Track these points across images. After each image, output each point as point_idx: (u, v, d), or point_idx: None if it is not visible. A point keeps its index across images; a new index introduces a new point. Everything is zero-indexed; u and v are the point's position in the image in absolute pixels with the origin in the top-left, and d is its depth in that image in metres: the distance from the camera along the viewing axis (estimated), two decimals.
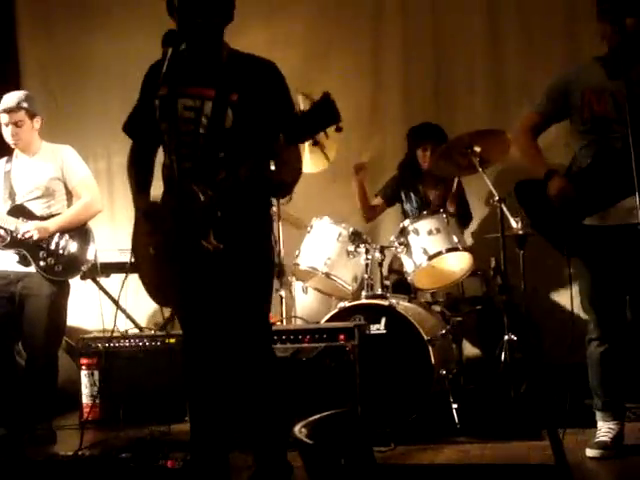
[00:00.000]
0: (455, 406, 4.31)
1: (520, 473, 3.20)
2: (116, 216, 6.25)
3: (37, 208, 4.70)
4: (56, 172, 4.74)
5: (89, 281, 5.52)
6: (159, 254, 3.18)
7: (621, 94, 3.49)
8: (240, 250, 3.12)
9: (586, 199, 3.63)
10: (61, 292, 4.71)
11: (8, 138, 4.72)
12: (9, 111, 4.67)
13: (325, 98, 2.86)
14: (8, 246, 4.61)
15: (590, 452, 3.72)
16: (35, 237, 4.58)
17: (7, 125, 4.69)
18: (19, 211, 4.67)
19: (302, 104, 4.54)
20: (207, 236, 3.02)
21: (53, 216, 4.69)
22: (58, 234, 4.66)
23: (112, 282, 5.46)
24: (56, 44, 6.45)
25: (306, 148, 5.08)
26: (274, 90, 3.13)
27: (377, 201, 5.58)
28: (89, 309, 5.98)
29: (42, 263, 4.60)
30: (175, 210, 3.09)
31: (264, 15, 6.03)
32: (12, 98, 4.72)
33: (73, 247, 4.70)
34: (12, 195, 4.72)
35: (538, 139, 3.88)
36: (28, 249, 4.60)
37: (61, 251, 4.65)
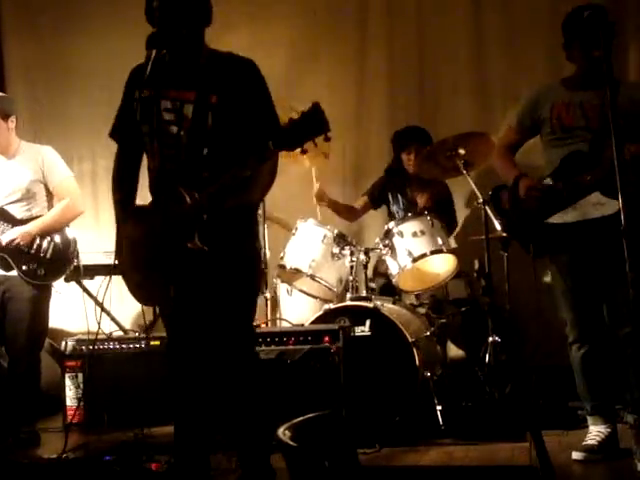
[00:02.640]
0: (439, 408, 4.32)
1: (504, 475, 3.21)
2: (100, 218, 6.23)
3: (17, 211, 4.62)
4: (36, 174, 4.65)
5: (73, 283, 5.51)
6: (143, 254, 3.17)
7: (589, 104, 3.70)
8: (224, 252, 3.13)
9: (551, 199, 3.70)
10: (43, 295, 4.66)
11: None
12: None
13: (315, 108, 2.89)
14: None
15: (575, 455, 3.74)
16: (20, 244, 4.53)
17: None
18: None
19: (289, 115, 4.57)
20: (192, 238, 3.03)
21: (34, 219, 4.62)
22: (39, 237, 4.60)
23: (96, 284, 5.43)
24: (41, 46, 6.42)
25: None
26: (253, 89, 3.15)
27: (362, 201, 5.58)
28: (73, 311, 5.95)
29: (24, 267, 4.54)
30: (161, 212, 3.09)
31: (248, 17, 6.02)
32: None
33: (55, 250, 4.64)
34: None
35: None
36: (9, 253, 4.53)
37: (42, 254, 4.59)
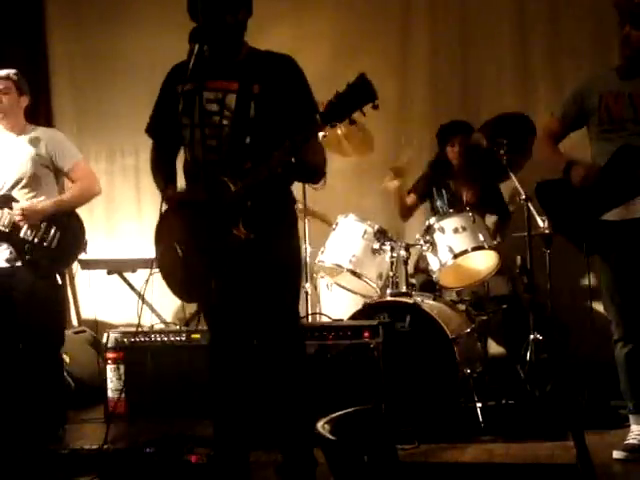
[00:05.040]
0: (479, 405, 4.29)
1: (544, 473, 3.18)
2: (143, 212, 6.29)
3: (22, 198, 4.44)
4: (41, 157, 4.48)
5: (115, 276, 5.57)
6: (185, 249, 3.19)
7: (638, 95, 3.60)
8: (269, 242, 3.14)
9: (605, 195, 3.63)
10: (51, 286, 4.47)
11: None
12: None
13: (361, 77, 2.91)
14: None
15: (616, 454, 3.70)
16: (24, 221, 4.35)
17: None
18: (4, 202, 4.42)
19: None
20: (237, 224, 3.04)
21: None
22: (45, 225, 4.39)
23: (138, 277, 5.48)
24: (84, 39, 6.47)
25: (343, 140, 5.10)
26: (292, 80, 3.18)
27: (411, 199, 5.55)
28: (115, 304, 6.04)
29: (27, 257, 4.37)
30: (205, 201, 3.11)
31: (291, 13, 6.03)
32: (3, 70, 4.54)
33: (61, 240, 4.41)
34: None
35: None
36: (13, 243, 4.38)
37: (46, 244, 4.39)
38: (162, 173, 3.38)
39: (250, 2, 3.22)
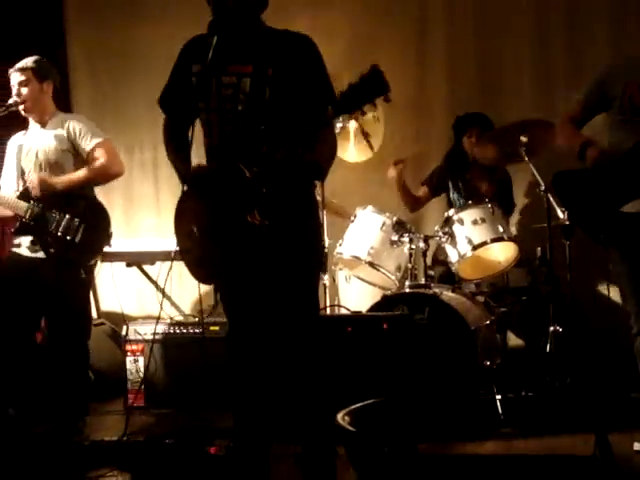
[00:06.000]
0: (499, 397, 4.28)
1: (565, 465, 3.17)
2: (161, 206, 6.29)
3: None
4: (62, 143, 4.45)
5: (135, 268, 5.58)
6: (203, 230, 3.18)
7: None
8: (286, 228, 3.11)
9: (624, 187, 3.59)
10: (76, 278, 4.43)
11: (13, 100, 4.47)
12: (15, 70, 4.48)
13: (374, 69, 2.87)
14: (17, 232, 4.44)
15: (637, 446, 3.68)
16: (35, 189, 4.33)
17: (13, 87, 4.48)
18: (29, 195, 4.39)
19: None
20: (252, 211, 3.03)
21: None
22: (68, 218, 4.36)
23: (157, 270, 5.49)
24: (103, 32, 6.46)
25: (351, 138, 5.09)
26: (308, 62, 3.13)
27: (422, 191, 5.56)
28: (134, 296, 6.06)
29: (52, 250, 4.34)
30: (221, 187, 3.09)
31: (308, 6, 6.01)
32: (21, 61, 4.53)
33: (85, 234, 4.38)
34: (23, 174, 4.49)
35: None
36: (38, 236, 4.36)
37: (70, 238, 4.35)
38: (176, 150, 3.32)
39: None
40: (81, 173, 4.44)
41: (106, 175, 4.53)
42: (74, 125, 4.50)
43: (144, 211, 6.40)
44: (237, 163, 3.03)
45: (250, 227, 3.03)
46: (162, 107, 3.39)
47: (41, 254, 4.38)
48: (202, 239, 3.15)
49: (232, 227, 3.07)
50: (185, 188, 3.24)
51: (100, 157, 4.47)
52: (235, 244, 3.09)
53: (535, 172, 4.70)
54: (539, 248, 4.89)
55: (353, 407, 1.93)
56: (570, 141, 3.81)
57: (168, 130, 3.40)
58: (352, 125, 5.01)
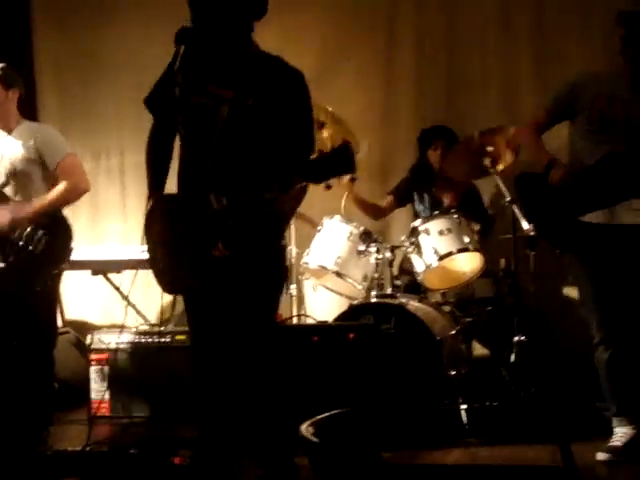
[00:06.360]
0: (464, 407, 4.29)
1: (528, 475, 3.18)
2: (128, 213, 6.27)
3: (10, 195, 4.35)
4: (29, 152, 4.36)
5: (100, 276, 5.54)
6: (167, 251, 3.16)
7: (634, 104, 3.65)
8: (247, 258, 3.08)
9: (587, 197, 3.64)
10: (41, 287, 4.34)
11: None
12: None
13: (345, 146, 2.86)
14: None
15: (600, 456, 3.71)
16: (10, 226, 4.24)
17: None
18: None
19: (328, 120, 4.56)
20: (215, 244, 3.01)
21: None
22: (32, 228, 4.26)
23: (122, 278, 5.45)
24: (71, 38, 6.43)
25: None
26: (294, 103, 3.06)
27: (387, 200, 5.58)
28: (100, 304, 6.01)
29: (10, 259, 4.24)
30: (186, 214, 3.06)
31: (277, 13, 5.99)
32: None
33: (47, 246, 4.28)
34: None
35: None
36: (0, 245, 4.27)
37: (31, 248, 4.26)
38: (153, 166, 3.29)
39: (256, 2, 3.10)
40: (47, 200, 4.35)
41: (73, 196, 4.45)
42: (42, 138, 4.43)
43: (110, 218, 6.36)
44: (208, 193, 3.00)
45: (212, 256, 3.01)
46: (148, 106, 3.31)
47: (1, 264, 4.30)
48: (166, 255, 3.14)
49: (195, 253, 3.04)
50: (150, 203, 3.22)
51: (67, 175, 4.39)
52: (197, 267, 3.07)
53: (500, 184, 4.73)
54: (503, 259, 4.93)
55: (317, 418, 1.93)
56: (536, 157, 3.86)
57: (153, 136, 3.33)
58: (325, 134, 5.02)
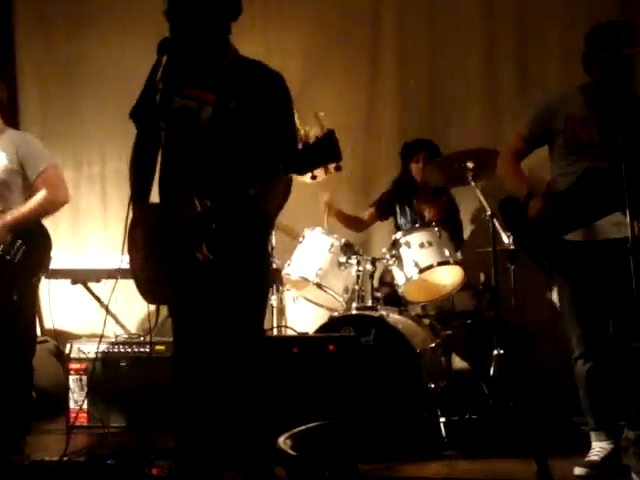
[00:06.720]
0: (443, 420, 4.30)
1: None
2: (109, 221, 6.24)
3: None
4: (12, 162, 4.31)
5: (80, 286, 5.52)
6: (150, 258, 3.16)
7: (605, 120, 3.66)
8: (232, 259, 3.09)
9: (568, 216, 3.67)
10: (16, 299, 4.28)
11: None
12: None
13: (329, 135, 2.87)
14: None
15: (578, 470, 3.71)
16: None
17: None
18: None
19: (313, 127, 4.55)
20: (200, 248, 3.01)
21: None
22: (11, 237, 4.23)
23: (103, 287, 5.43)
24: (53, 46, 6.42)
25: None
26: (275, 102, 3.09)
27: (369, 212, 5.60)
28: (79, 314, 5.98)
29: None
30: (169, 218, 3.07)
31: (261, 24, 6.03)
32: None
33: (25, 255, 4.25)
34: None
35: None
36: None
37: (9, 258, 4.22)
38: (137, 177, 3.29)
39: (231, 3, 3.10)
40: (27, 209, 4.31)
41: (51, 208, 4.41)
42: (25, 149, 4.38)
43: (91, 226, 6.34)
44: (189, 194, 3.00)
45: (196, 260, 3.01)
46: (133, 119, 3.31)
47: None
48: (149, 266, 3.14)
49: (178, 259, 3.04)
50: (132, 214, 3.22)
51: (47, 185, 4.35)
52: (181, 273, 3.07)
53: (481, 197, 4.75)
54: (482, 273, 4.95)
55: (295, 430, 1.92)
56: (515, 188, 3.89)
57: (137, 147, 3.33)
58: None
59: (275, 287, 5.05)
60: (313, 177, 2.94)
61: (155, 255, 3.13)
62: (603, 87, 3.71)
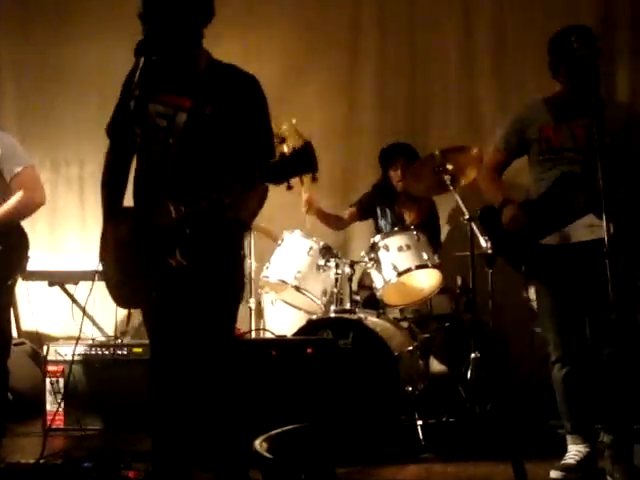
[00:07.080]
0: (420, 423, 4.31)
1: None
2: (87, 223, 6.21)
3: None
4: None
5: (57, 288, 5.49)
6: (125, 257, 3.14)
7: (577, 125, 3.73)
8: (205, 264, 3.08)
9: (544, 220, 3.71)
10: None
11: None
12: None
13: (306, 146, 2.86)
14: None
15: (553, 474, 3.74)
16: None
17: None
18: None
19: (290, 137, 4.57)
20: (173, 253, 3.00)
21: None
22: None
23: (80, 290, 5.41)
24: (33, 47, 6.38)
25: None
26: (251, 107, 3.09)
27: (350, 211, 5.61)
28: (56, 316, 5.95)
29: None
30: (144, 222, 3.06)
31: (240, 26, 6.02)
32: None
33: (1, 254, 4.23)
34: None
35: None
36: None
37: None
38: (109, 183, 3.29)
39: (204, 8, 3.08)
40: (2, 212, 4.28)
41: (28, 210, 4.38)
42: (3, 150, 4.33)
43: (68, 227, 6.31)
44: (166, 201, 2.99)
45: (169, 265, 3.01)
46: (108, 134, 3.32)
47: None
48: (121, 269, 3.13)
49: (152, 264, 3.03)
50: (104, 224, 3.23)
51: (24, 187, 4.32)
52: (154, 278, 3.06)
53: (459, 201, 4.77)
54: (459, 277, 4.97)
55: (271, 433, 1.93)
56: (492, 198, 3.97)
57: (109, 158, 3.33)
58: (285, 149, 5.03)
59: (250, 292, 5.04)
60: (289, 187, 2.93)
61: (127, 259, 3.12)
62: (571, 92, 3.78)
